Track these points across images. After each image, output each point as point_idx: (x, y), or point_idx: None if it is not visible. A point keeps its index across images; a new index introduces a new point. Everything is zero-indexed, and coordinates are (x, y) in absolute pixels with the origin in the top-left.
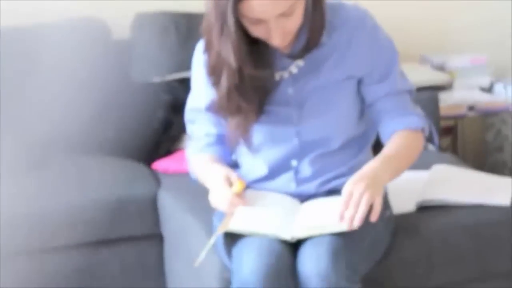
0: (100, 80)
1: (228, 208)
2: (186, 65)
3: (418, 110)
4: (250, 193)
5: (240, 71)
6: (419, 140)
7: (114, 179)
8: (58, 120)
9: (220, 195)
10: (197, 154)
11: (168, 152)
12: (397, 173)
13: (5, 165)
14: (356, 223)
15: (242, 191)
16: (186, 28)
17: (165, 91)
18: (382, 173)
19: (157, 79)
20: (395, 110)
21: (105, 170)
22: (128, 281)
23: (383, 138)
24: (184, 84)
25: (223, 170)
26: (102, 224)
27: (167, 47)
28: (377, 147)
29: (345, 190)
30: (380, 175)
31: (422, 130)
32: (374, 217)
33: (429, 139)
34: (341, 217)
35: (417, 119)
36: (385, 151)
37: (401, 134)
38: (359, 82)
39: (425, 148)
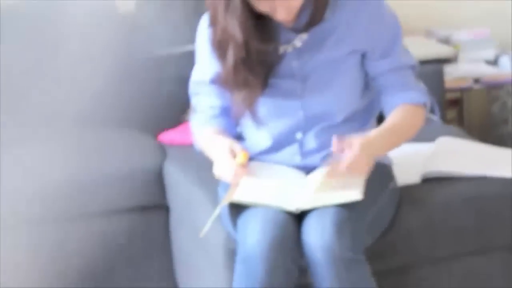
0: (106, 54)
1: (232, 178)
2: (192, 38)
3: (421, 85)
4: (255, 164)
5: (246, 45)
6: (420, 114)
7: (121, 150)
8: (64, 94)
9: (224, 166)
10: (202, 127)
11: (174, 124)
12: (393, 146)
13: (11, 138)
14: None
15: (246, 161)
16: (192, 1)
17: (171, 64)
18: (377, 146)
19: (163, 53)
20: (397, 86)
21: (111, 142)
22: (134, 251)
23: (385, 112)
24: (190, 58)
25: (227, 142)
26: (108, 194)
27: (172, 20)
28: (381, 120)
29: (354, 149)
30: (379, 145)
31: (424, 105)
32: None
33: (432, 112)
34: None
35: (418, 94)
36: (384, 125)
37: (402, 108)
38: (363, 57)
39: (428, 119)
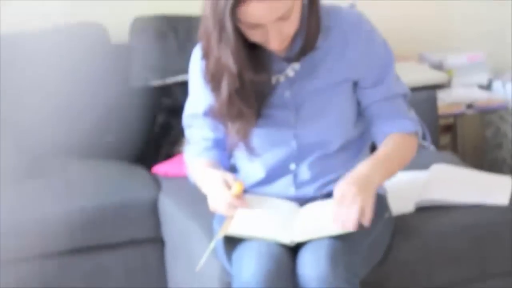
0: (99, 85)
1: (227, 210)
2: (185, 68)
3: (412, 113)
4: (249, 198)
5: (240, 76)
6: (412, 143)
7: (115, 183)
8: (57, 125)
9: (218, 198)
10: (195, 159)
11: (168, 156)
12: (388, 175)
13: (5, 170)
14: (349, 226)
15: (241, 192)
16: (185, 31)
17: (164, 95)
18: (373, 176)
19: (156, 83)
20: (388, 114)
21: (105, 174)
22: (130, 285)
23: (376, 142)
24: (184, 88)
25: (219, 174)
26: (103, 228)
27: (165, 50)
28: (375, 149)
29: (337, 191)
30: (371, 178)
31: (415, 133)
32: (366, 222)
33: (423, 139)
34: (335, 220)
35: (409, 123)
36: (377, 153)
37: (394, 137)
38: (355, 85)
39: (420, 146)
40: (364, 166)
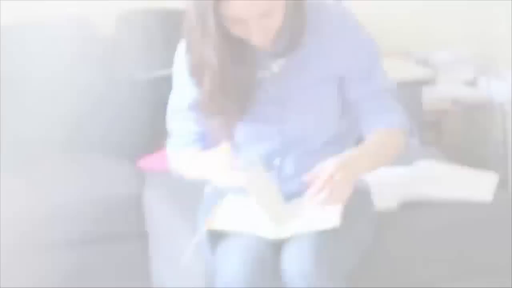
0: (84, 78)
1: (229, 177)
2: (171, 62)
3: (399, 108)
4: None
5: (222, 71)
6: (399, 138)
7: (99, 177)
8: (41, 118)
9: (215, 168)
10: (180, 150)
11: (153, 149)
12: (372, 168)
13: None
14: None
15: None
16: (171, 25)
17: (150, 89)
18: (360, 165)
19: (142, 77)
20: (376, 109)
21: (90, 168)
22: (113, 279)
23: (364, 136)
24: (169, 81)
25: (210, 152)
26: (87, 222)
27: (151, 44)
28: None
29: (326, 170)
30: (358, 166)
31: (403, 129)
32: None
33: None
34: (313, 195)
35: (397, 118)
36: (364, 145)
37: (381, 131)
38: (341, 81)
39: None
40: (346, 155)
